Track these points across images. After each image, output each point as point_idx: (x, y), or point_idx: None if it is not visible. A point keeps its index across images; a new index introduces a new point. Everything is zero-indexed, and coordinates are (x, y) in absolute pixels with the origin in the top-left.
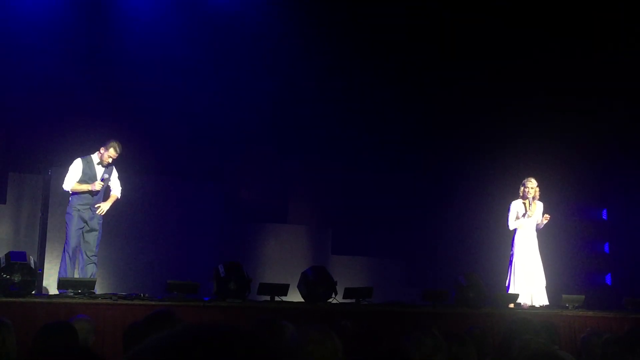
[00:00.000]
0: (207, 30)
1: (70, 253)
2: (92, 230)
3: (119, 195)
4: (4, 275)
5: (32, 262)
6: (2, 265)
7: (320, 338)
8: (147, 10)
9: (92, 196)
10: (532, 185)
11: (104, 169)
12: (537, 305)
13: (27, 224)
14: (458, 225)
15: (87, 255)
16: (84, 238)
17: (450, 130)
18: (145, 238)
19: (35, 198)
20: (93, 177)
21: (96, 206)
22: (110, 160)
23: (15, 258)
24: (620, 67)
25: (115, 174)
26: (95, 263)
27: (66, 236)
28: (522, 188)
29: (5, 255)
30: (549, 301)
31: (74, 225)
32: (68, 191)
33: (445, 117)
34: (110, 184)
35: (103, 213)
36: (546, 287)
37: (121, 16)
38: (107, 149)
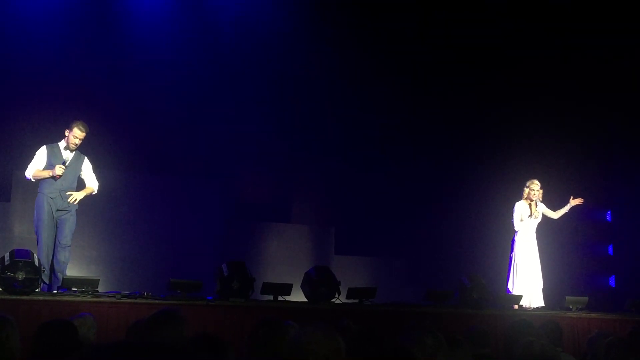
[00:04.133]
0: (210, 29)
1: (45, 249)
2: (65, 217)
3: (94, 189)
4: (8, 273)
5: (36, 260)
6: (7, 263)
7: (324, 338)
8: (149, 8)
9: (55, 180)
10: (537, 187)
11: (71, 154)
12: (533, 307)
13: (31, 222)
14: (462, 225)
15: (59, 242)
16: (57, 226)
17: (454, 131)
18: (148, 237)
19: None
20: (60, 162)
21: (68, 193)
22: (76, 141)
23: (20, 256)
24: (625, 67)
25: (87, 165)
26: (67, 250)
27: (35, 227)
28: (526, 190)
29: (10, 253)
30: (551, 303)
31: (45, 219)
32: (30, 179)
33: (449, 119)
34: (83, 176)
35: (76, 202)
36: (543, 290)
37: (122, 15)
38: (71, 130)
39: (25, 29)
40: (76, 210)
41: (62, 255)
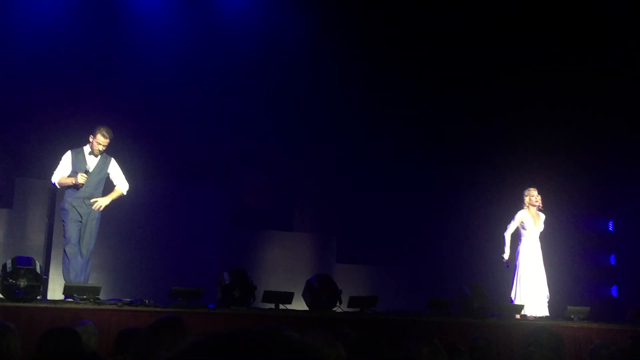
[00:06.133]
0: (215, 35)
1: (71, 249)
2: (90, 225)
3: (124, 192)
4: (10, 280)
5: (38, 267)
6: (8, 269)
7: (325, 346)
8: (156, 13)
9: (77, 189)
10: (535, 193)
11: (96, 159)
12: (538, 316)
13: (33, 228)
14: (463, 234)
15: (81, 253)
16: (83, 233)
17: (455, 140)
18: (150, 244)
19: (42, 203)
20: (84, 168)
21: (92, 201)
22: (100, 147)
23: (21, 263)
24: (626, 76)
25: (114, 166)
26: (89, 260)
27: (64, 232)
28: (526, 198)
29: (12, 260)
30: (553, 312)
31: (71, 219)
32: (56, 186)
33: (451, 127)
34: (112, 178)
35: (101, 209)
36: (548, 299)
37: (128, 21)
38: (94, 136)
39: (31, 35)
40: (98, 215)
41: (80, 260)
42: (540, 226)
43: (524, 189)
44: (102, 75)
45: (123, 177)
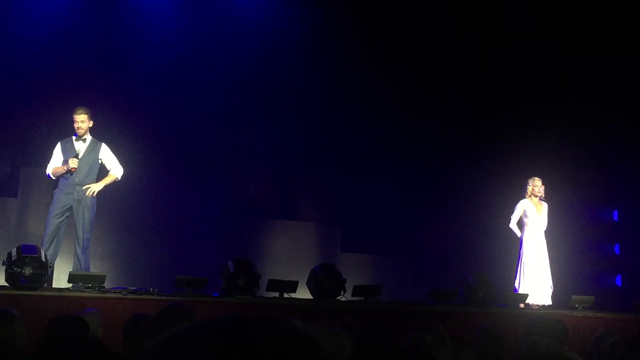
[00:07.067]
0: (216, 28)
1: (45, 240)
2: (82, 212)
3: (118, 176)
4: (15, 269)
5: (43, 255)
6: (13, 258)
7: (328, 335)
8: (158, 6)
9: (71, 175)
10: (539, 183)
11: (85, 145)
12: (542, 305)
13: (38, 217)
14: (468, 224)
15: (78, 241)
16: (76, 220)
17: (459, 130)
18: (155, 234)
19: (47, 192)
20: (74, 154)
21: (84, 187)
22: (79, 125)
23: (26, 251)
24: (630, 66)
25: (106, 151)
26: (86, 249)
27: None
28: (529, 187)
29: (17, 248)
30: (557, 302)
31: (55, 210)
32: (51, 177)
33: (453, 117)
34: (105, 163)
35: (94, 194)
36: (552, 289)
37: (130, 13)
38: (73, 119)
39: (34, 25)
40: (91, 202)
41: (78, 250)
42: (543, 215)
43: (528, 178)
44: (107, 67)
45: (117, 161)
